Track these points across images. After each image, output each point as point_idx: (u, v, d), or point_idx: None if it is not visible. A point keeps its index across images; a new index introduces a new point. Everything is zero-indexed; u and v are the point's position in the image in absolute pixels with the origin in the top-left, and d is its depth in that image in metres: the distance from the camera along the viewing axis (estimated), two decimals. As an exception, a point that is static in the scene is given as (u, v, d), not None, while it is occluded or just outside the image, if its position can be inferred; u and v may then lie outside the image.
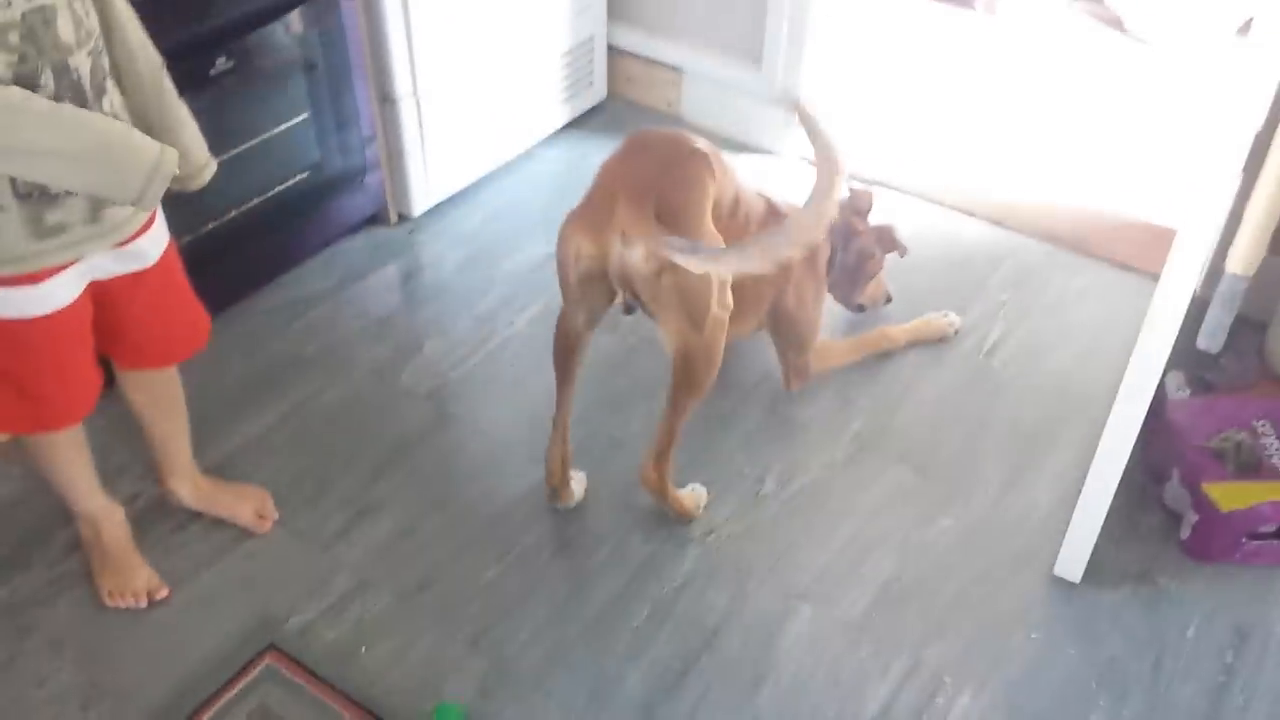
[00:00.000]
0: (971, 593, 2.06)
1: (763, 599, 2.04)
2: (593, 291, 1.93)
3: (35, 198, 1.54)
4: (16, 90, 1.44)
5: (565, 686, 1.90)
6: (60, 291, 1.65)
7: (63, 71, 1.50)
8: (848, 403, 2.44)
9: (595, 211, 1.88)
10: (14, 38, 1.43)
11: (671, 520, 2.16)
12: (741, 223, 2.09)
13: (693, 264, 1.77)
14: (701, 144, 2.00)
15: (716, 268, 1.81)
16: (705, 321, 1.90)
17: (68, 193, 1.56)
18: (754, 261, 1.75)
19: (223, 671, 1.90)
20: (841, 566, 2.10)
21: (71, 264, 1.63)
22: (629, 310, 1.93)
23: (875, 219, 2.51)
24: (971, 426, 2.39)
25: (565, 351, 2.06)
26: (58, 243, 1.59)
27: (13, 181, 1.51)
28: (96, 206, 1.60)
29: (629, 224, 1.81)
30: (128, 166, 1.52)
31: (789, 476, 2.27)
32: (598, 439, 2.31)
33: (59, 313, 1.66)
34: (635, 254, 1.83)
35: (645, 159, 1.92)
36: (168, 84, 1.69)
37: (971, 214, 3.00)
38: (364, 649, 1.95)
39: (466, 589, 2.05)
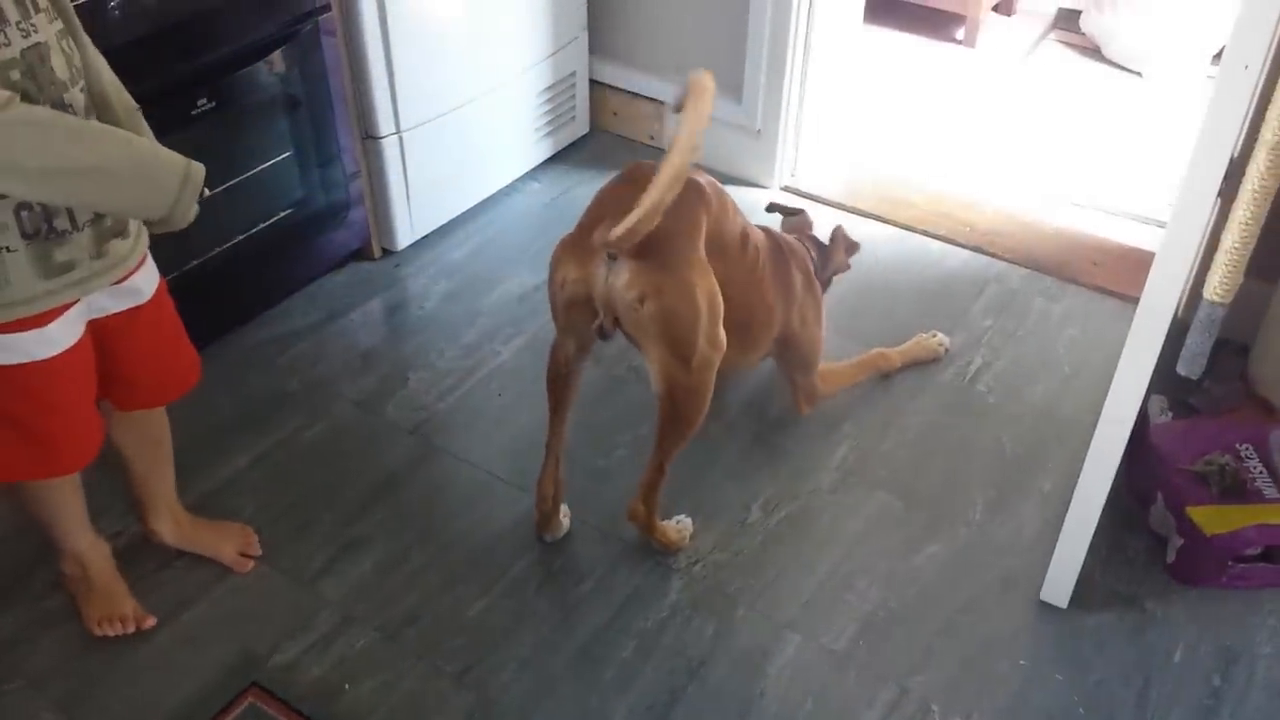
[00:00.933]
0: (958, 620, 2.05)
1: (749, 629, 2.04)
2: (579, 317, 1.92)
3: (42, 236, 1.54)
4: (41, 109, 1.45)
5: (551, 720, 1.89)
6: (65, 333, 1.64)
7: (61, 108, 1.51)
8: (833, 430, 2.44)
9: (584, 236, 1.88)
10: (15, 74, 1.43)
11: (657, 551, 2.15)
12: (753, 257, 2.10)
13: (631, 223, 1.72)
14: (701, 178, 1.99)
15: (645, 210, 1.73)
16: (693, 359, 1.89)
17: (73, 229, 1.56)
18: (667, 188, 1.72)
19: (205, 710, 1.88)
20: (828, 595, 2.09)
21: (75, 303, 1.64)
22: (604, 335, 1.92)
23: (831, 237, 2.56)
24: (956, 453, 2.39)
25: (557, 379, 2.06)
26: (65, 281, 1.59)
27: (19, 219, 1.51)
28: (101, 241, 1.61)
29: (615, 246, 1.80)
30: (160, 179, 1.53)
31: (774, 505, 2.27)
32: (582, 470, 2.31)
33: (65, 354, 1.65)
34: (620, 279, 1.82)
35: (637, 187, 1.90)
36: (144, 127, 1.69)
37: (953, 241, 3.02)
38: (348, 686, 1.93)
39: (452, 624, 2.04)
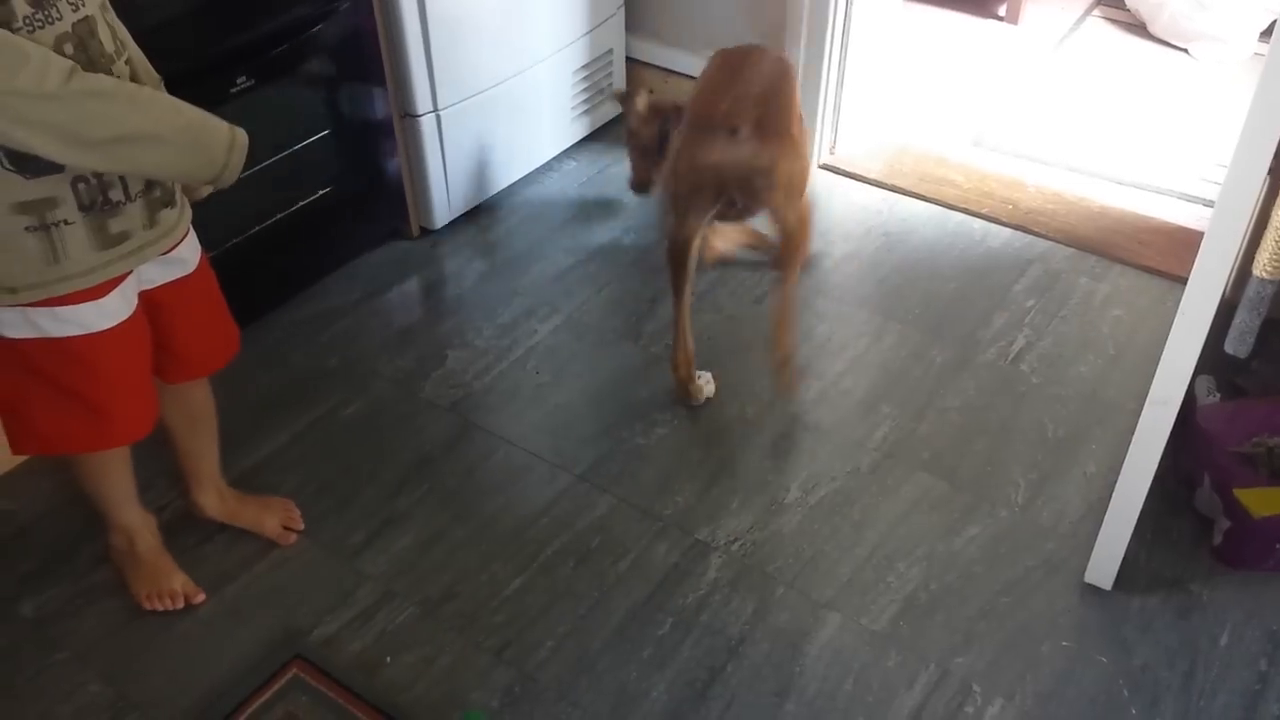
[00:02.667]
0: (1000, 601, 2.04)
1: (788, 609, 2.03)
2: (704, 196, 2.20)
3: (98, 208, 1.56)
4: (102, 77, 1.47)
5: (589, 697, 1.89)
6: (120, 304, 1.67)
7: None
8: (872, 411, 2.42)
9: (703, 121, 2.20)
10: (69, 48, 1.45)
11: (695, 525, 2.15)
12: (797, 132, 2.39)
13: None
14: (787, 60, 2.42)
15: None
16: (804, 197, 2.31)
17: (127, 199, 1.58)
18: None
19: (249, 682, 1.90)
20: (868, 575, 2.08)
21: (129, 275, 1.66)
22: (732, 204, 2.21)
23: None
24: (998, 433, 2.37)
25: (681, 261, 2.30)
26: (120, 251, 1.61)
27: (76, 191, 1.53)
28: (152, 211, 1.63)
29: (741, 122, 2.13)
30: (210, 144, 1.56)
31: (813, 485, 2.26)
32: (621, 449, 2.31)
33: (121, 325, 1.68)
34: (744, 150, 2.15)
35: (745, 77, 2.28)
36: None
37: (995, 220, 2.99)
38: (389, 660, 1.94)
39: (490, 600, 2.05)
